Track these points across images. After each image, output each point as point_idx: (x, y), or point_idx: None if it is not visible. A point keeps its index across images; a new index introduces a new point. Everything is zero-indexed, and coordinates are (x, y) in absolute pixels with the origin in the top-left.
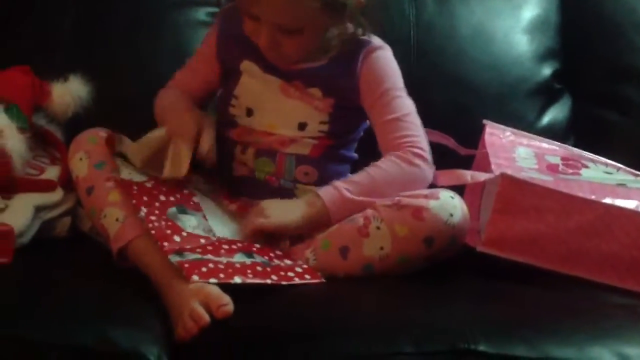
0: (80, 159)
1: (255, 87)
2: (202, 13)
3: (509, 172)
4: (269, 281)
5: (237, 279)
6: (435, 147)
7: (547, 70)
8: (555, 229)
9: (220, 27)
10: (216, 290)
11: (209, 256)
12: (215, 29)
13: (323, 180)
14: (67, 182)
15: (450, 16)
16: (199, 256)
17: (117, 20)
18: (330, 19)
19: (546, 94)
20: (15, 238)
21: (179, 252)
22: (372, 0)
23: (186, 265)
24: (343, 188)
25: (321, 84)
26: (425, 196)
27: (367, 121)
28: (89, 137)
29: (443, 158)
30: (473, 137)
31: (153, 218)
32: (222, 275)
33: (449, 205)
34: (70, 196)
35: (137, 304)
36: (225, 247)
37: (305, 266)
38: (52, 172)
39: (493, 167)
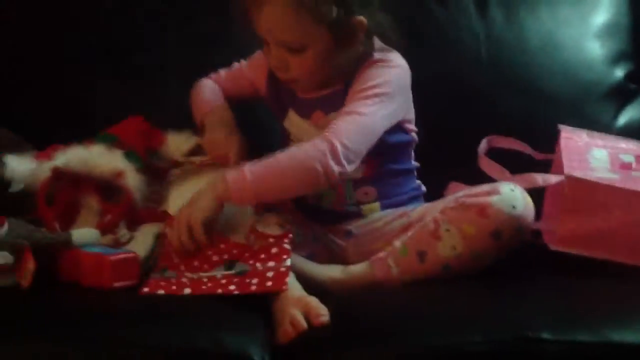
0: None
1: (299, 130)
2: None
3: (576, 173)
4: (220, 291)
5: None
6: (511, 154)
7: (620, 72)
8: (622, 224)
9: (270, 72)
10: (315, 301)
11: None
12: (265, 70)
13: (383, 196)
14: None
15: (519, 28)
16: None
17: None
18: (334, 40)
19: (621, 95)
20: (140, 263)
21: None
22: (387, 20)
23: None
24: (247, 170)
25: (337, 107)
26: (487, 193)
27: (406, 132)
28: None
29: (520, 164)
30: (549, 143)
31: None
32: (174, 288)
33: (511, 197)
34: None
35: (244, 313)
36: (215, 258)
37: (280, 271)
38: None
39: (565, 169)
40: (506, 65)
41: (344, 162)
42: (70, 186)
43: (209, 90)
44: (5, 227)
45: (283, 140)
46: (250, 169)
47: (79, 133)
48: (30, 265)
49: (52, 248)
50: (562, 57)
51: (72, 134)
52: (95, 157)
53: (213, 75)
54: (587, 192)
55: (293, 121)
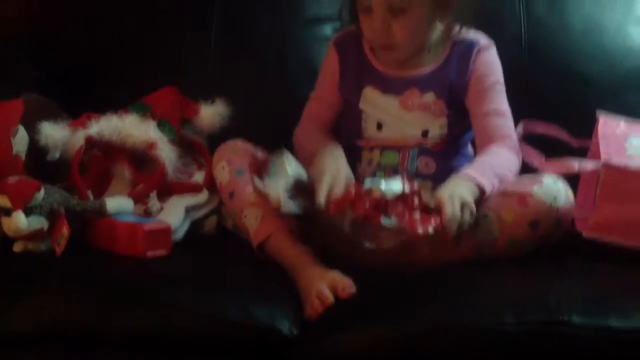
0: (223, 168)
1: (377, 107)
2: (327, 28)
3: (613, 161)
4: None
5: None
6: (548, 139)
7: None
8: None
9: (341, 58)
10: (340, 275)
11: None
12: (336, 60)
13: (440, 172)
14: (212, 184)
15: (561, 11)
16: None
17: (253, 41)
18: (434, 5)
19: None
20: (172, 234)
21: None
22: None
23: None
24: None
25: (434, 87)
26: (530, 182)
27: None
28: (229, 147)
29: (557, 150)
30: (587, 129)
31: None
32: None
33: (553, 189)
34: (215, 197)
35: (273, 288)
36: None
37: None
38: (199, 176)
39: (602, 157)
40: (546, 48)
41: None
42: (102, 155)
43: (319, 149)
44: (42, 192)
45: (353, 122)
46: (493, 182)
47: (113, 101)
48: (65, 231)
49: (86, 215)
50: (603, 42)
51: (106, 102)
52: (129, 127)
53: (303, 119)
54: (623, 180)
55: (371, 98)
